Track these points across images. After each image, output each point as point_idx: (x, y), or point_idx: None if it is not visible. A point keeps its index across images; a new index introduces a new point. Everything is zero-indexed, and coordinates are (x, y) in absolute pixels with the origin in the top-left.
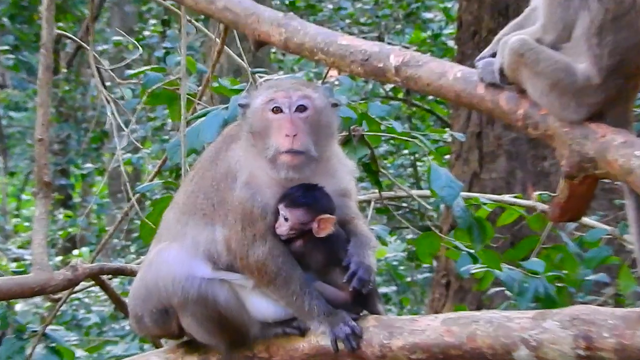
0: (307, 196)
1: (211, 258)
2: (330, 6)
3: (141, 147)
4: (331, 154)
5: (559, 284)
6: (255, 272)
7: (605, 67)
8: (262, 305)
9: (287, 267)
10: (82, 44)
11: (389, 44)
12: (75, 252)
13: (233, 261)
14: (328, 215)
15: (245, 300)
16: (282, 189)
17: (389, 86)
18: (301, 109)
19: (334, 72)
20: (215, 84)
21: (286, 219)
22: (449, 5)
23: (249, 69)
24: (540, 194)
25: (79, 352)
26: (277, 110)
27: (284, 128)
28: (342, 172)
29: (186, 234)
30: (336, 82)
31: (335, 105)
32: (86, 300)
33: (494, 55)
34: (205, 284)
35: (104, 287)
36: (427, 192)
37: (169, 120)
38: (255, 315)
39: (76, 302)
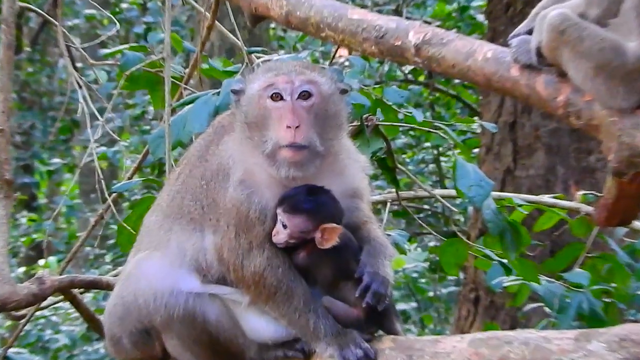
0: (310, 201)
1: (200, 269)
2: None
3: (118, 139)
4: (340, 148)
5: (607, 299)
6: (252, 285)
7: None
8: (259, 324)
9: (289, 280)
10: (49, 18)
11: (407, 18)
12: (41, 262)
13: (225, 273)
14: (334, 225)
15: (239, 319)
16: (283, 189)
17: (407, 68)
18: (305, 95)
19: (343, 52)
20: (205, 66)
21: (285, 226)
22: None
23: (244, 47)
24: (585, 193)
25: None
26: (276, 97)
27: (285, 118)
28: (353, 170)
29: (170, 240)
30: (346, 64)
31: (344, 91)
32: (54, 318)
33: (530, 32)
34: (192, 300)
35: (75, 303)
36: (452, 192)
37: (151, 108)
38: (251, 335)
39: (42, 320)
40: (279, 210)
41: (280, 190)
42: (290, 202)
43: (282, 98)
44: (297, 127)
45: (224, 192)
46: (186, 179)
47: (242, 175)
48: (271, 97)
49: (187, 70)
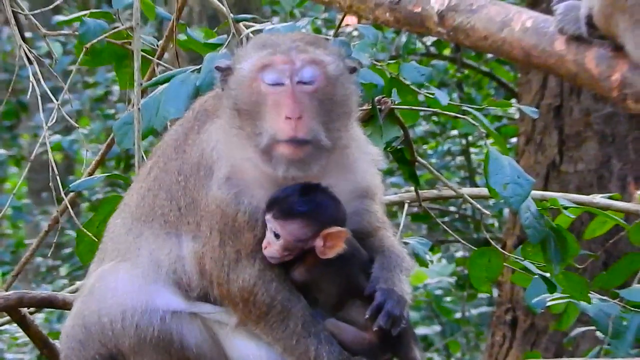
0: (305, 202)
1: (179, 283)
2: None
3: (76, 125)
4: (348, 139)
5: None
6: (240, 303)
7: None
8: (248, 351)
9: (284, 297)
10: None
11: None
12: None
13: (209, 288)
14: (337, 228)
15: (224, 343)
16: (278, 188)
17: (429, 40)
18: (308, 79)
19: (351, 20)
20: (183, 37)
21: (277, 236)
22: None
23: (230, 15)
24: None
25: None
26: (274, 80)
27: (284, 107)
28: (363, 164)
29: (141, 249)
30: (354, 34)
31: (354, 69)
32: None
33: None
34: (169, 320)
35: (24, 325)
36: (484, 191)
37: (116, 88)
38: None
39: None
40: (268, 217)
41: (274, 189)
42: (281, 206)
43: (280, 82)
44: (298, 118)
45: (206, 191)
46: (159, 174)
47: (228, 171)
48: (267, 80)
49: (160, 42)
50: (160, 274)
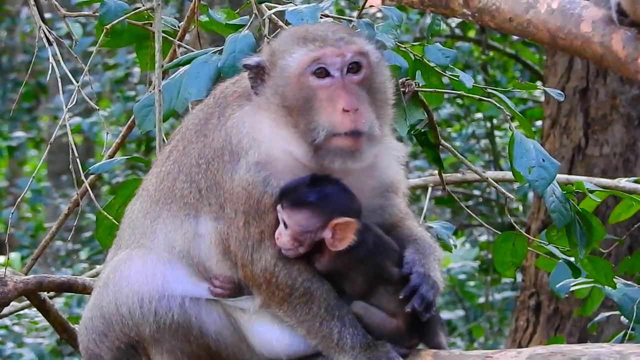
0: (314, 192)
1: (193, 264)
2: None
3: (96, 107)
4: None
5: None
6: (263, 284)
7: None
8: (271, 335)
9: (307, 280)
10: None
11: None
12: (1, 259)
13: (231, 269)
14: (346, 219)
15: (246, 329)
16: (308, 173)
17: (455, 21)
18: (354, 69)
19: (375, 1)
20: (204, 18)
21: (286, 226)
22: None
23: None
24: None
25: None
26: (322, 73)
27: (340, 99)
28: (386, 159)
29: (156, 232)
30: (378, 15)
31: (383, 47)
32: (16, 328)
33: None
34: (188, 305)
35: (44, 310)
36: (508, 175)
37: (136, 69)
38: (260, 350)
39: (2, 331)
40: (278, 208)
41: (303, 175)
42: (290, 196)
43: (329, 74)
44: (355, 110)
45: (231, 174)
46: (179, 158)
47: (262, 156)
48: (316, 73)
49: (181, 24)
50: (174, 254)
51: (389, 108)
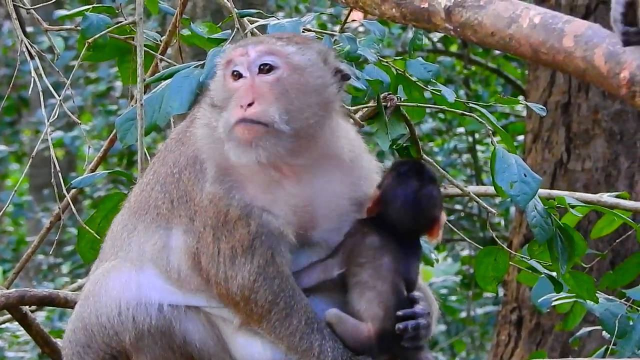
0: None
1: (162, 270)
2: None
3: (78, 121)
4: (332, 135)
5: None
6: (241, 302)
7: None
8: (252, 349)
9: (288, 294)
10: None
11: None
12: None
13: (203, 285)
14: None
15: (228, 340)
16: (270, 183)
17: (437, 36)
18: (266, 69)
19: (357, 15)
20: (186, 32)
21: None
22: None
23: (234, 9)
24: None
25: None
26: (236, 75)
27: (241, 97)
28: (362, 171)
29: (131, 243)
30: (361, 30)
31: (342, 75)
32: None
33: None
34: (167, 310)
35: (25, 324)
36: (490, 190)
37: (118, 83)
38: None
39: None
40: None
41: (265, 184)
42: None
43: (241, 75)
44: (249, 103)
45: (201, 185)
46: (159, 168)
47: (217, 169)
48: (232, 75)
49: (163, 37)
50: (144, 261)
51: (321, 111)
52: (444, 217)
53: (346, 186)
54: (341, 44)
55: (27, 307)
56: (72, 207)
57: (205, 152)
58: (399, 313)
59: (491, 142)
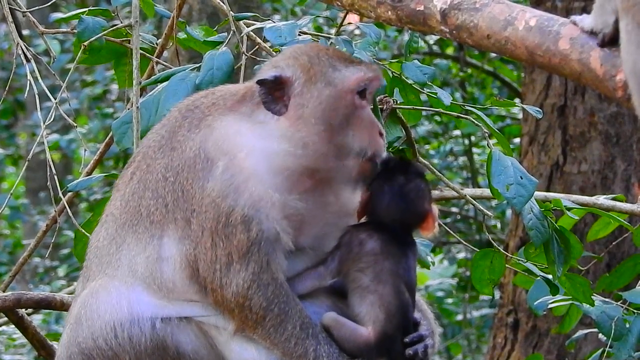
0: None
1: (155, 285)
2: None
3: (74, 124)
4: None
5: None
6: (235, 309)
7: None
8: (247, 355)
9: (282, 300)
10: None
11: None
12: None
13: (199, 293)
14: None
15: (223, 348)
16: (291, 188)
17: (432, 38)
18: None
19: (353, 18)
20: (182, 35)
21: None
22: None
23: (230, 13)
24: None
25: None
26: (364, 95)
27: (376, 124)
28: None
29: (121, 258)
30: (356, 32)
31: None
32: None
33: None
34: (159, 327)
35: (22, 326)
36: (486, 192)
37: (114, 86)
38: None
39: None
40: None
41: (278, 189)
42: None
43: (364, 96)
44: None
45: (203, 183)
46: (143, 176)
47: (235, 163)
48: (360, 93)
49: (160, 41)
50: (136, 278)
51: None
52: (435, 209)
53: (333, 191)
54: (337, 47)
55: (23, 310)
56: (68, 210)
57: (229, 147)
58: (406, 340)
59: (487, 144)
